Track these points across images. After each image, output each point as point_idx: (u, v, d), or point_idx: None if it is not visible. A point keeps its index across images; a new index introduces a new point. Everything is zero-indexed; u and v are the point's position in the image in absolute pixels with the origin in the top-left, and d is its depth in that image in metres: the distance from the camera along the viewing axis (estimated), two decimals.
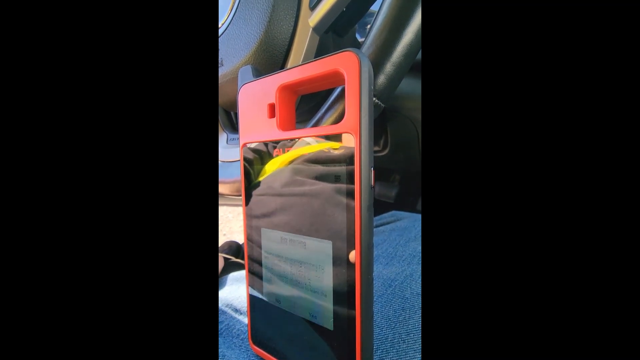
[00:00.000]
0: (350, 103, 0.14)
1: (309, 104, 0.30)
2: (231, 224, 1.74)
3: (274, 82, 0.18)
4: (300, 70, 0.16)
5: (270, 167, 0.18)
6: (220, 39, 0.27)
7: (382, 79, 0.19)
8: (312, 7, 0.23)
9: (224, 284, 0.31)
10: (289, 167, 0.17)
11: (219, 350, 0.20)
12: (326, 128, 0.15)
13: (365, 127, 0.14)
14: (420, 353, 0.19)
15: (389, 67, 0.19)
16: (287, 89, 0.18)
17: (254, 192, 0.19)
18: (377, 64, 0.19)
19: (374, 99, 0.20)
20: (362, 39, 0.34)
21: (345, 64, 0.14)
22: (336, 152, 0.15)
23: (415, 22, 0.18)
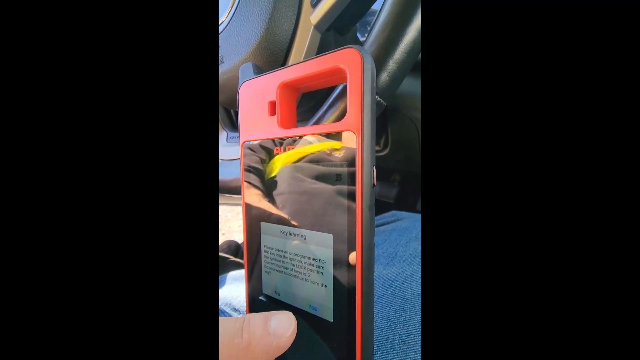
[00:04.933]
0: (352, 101, 0.14)
1: (309, 103, 0.30)
2: (230, 223, 1.73)
3: (274, 80, 0.17)
4: (301, 67, 0.16)
5: (271, 165, 0.18)
6: (220, 36, 0.27)
7: (384, 76, 0.19)
8: (314, 5, 0.23)
9: (223, 283, 0.31)
10: (290, 166, 0.17)
11: None
12: (328, 126, 0.15)
13: (367, 125, 0.14)
14: (420, 355, 0.19)
15: (391, 64, 0.19)
16: (288, 87, 0.17)
17: (254, 191, 0.19)
18: (380, 61, 0.19)
19: (376, 96, 0.20)
20: (363, 38, 0.34)
21: (348, 61, 0.14)
22: (338, 151, 0.15)
23: (418, 20, 0.18)
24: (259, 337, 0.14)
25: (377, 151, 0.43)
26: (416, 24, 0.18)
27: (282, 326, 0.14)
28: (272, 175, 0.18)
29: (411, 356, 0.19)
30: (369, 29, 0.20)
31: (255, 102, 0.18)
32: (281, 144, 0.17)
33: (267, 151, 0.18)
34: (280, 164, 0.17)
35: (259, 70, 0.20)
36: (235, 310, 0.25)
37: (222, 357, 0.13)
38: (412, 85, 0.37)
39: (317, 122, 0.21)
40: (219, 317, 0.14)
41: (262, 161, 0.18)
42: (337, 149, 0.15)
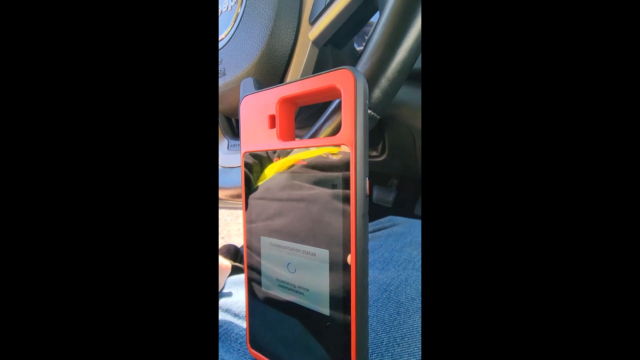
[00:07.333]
0: (347, 117, 0.15)
1: (307, 112, 0.31)
2: (229, 227, 1.73)
3: (274, 95, 0.18)
4: (299, 84, 0.17)
5: (269, 171, 0.19)
6: (223, 50, 0.28)
7: (377, 92, 0.20)
8: (312, 22, 0.24)
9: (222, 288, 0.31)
10: (287, 172, 0.18)
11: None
12: (324, 140, 0.16)
13: (360, 139, 0.15)
14: (414, 357, 0.19)
15: (384, 82, 0.20)
16: (287, 102, 0.18)
17: (253, 197, 0.20)
18: (373, 79, 0.20)
19: (369, 111, 0.21)
20: (360, 48, 0.35)
21: (342, 81, 0.15)
22: (334, 157, 0.16)
23: (409, 41, 0.19)
24: None
25: (375, 156, 0.44)
26: (406, 45, 0.19)
27: None
28: (270, 180, 0.19)
29: (405, 358, 0.19)
30: (366, 38, 0.21)
31: (256, 116, 0.19)
32: (279, 154, 0.18)
33: (267, 158, 0.19)
34: (278, 169, 0.18)
35: (260, 85, 0.21)
36: (235, 315, 0.26)
37: None
38: (408, 95, 0.38)
39: (314, 134, 0.22)
40: None
41: (262, 168, 0.19)
42: (334, 154, 0.16)
